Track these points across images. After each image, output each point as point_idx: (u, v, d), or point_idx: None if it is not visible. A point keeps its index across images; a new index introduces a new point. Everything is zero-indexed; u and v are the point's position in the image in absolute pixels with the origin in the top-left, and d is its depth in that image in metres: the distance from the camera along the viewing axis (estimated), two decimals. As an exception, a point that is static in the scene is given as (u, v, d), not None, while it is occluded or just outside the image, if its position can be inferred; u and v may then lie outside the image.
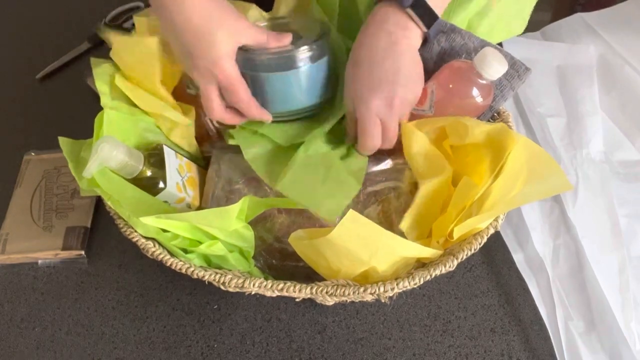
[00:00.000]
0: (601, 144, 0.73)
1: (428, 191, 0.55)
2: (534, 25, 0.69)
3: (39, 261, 0.66)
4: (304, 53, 0.56)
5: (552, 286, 0.61)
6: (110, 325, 0.62)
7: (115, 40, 0.58)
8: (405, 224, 0.54)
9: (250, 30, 0.55)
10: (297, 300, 0.54)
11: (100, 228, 0.69)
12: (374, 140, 0.56)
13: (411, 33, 0.54)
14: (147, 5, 0.60)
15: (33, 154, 0.75)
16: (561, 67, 0.81)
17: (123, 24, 0.92)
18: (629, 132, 0.74)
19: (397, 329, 0.61)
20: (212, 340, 0.60)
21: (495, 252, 0.65)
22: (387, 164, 0.61)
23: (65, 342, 0.61)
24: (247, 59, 0.55)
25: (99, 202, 0.70)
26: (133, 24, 0.91)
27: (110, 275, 0.65)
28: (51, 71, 0.87)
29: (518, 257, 0.65)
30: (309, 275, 0.55)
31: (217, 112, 0.56)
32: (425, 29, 0.54)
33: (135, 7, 0.94)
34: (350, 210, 0.46)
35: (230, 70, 0.53)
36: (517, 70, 0.60)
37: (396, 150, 0.62)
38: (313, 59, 0.57)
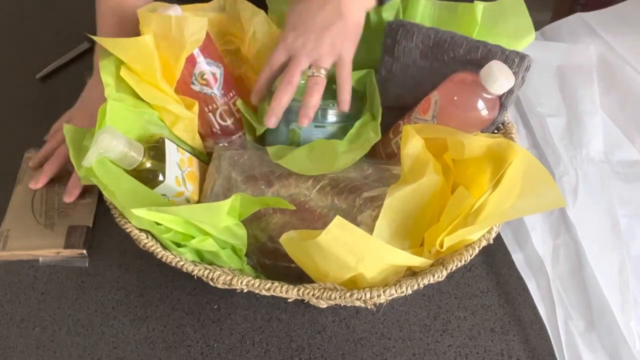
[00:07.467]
0: (601, 144, 0.73)
1: (405, 194, 0.53)
2: (534, 25, 0.69)
3: (40, 259, 0.66)
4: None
5: (552, 286, 0.61)
6: (110, 325, 0.62)
7: (106, 42, 0.57)
8: (377, 226, 0.53)
9: None
10: (296, 299, 0.54)
11: (100, 228, 0.69)
12: (271, 68, 0.59)
13: None
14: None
15: (34, 152, 0.75)
16: (561, 67, 0.81)
17: (123, 24, 0.92)
18: (628, 132, 0.74)
19: (397, 329, 0.61)
20: (212, 340, 0.60)
21: (495, 252, 0.66)
22: (384, 170, 0.60)
23: (65, 342, 0.61)
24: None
25: (99, 202, 0.70)
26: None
27: (110, 275, 0.65)
28: (51, 71, 0.87)
29: (518, 257, 0.65)
30: (300, 277, 0.54)
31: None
32: None
33: (135, 7, 0.94)
34: (337, 216, 0.45)
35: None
36: (517, 72, 0.58)
37: (394, 157, 0.62)
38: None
